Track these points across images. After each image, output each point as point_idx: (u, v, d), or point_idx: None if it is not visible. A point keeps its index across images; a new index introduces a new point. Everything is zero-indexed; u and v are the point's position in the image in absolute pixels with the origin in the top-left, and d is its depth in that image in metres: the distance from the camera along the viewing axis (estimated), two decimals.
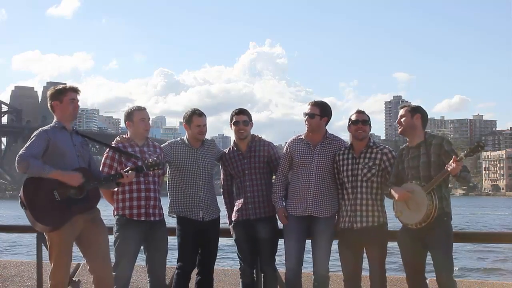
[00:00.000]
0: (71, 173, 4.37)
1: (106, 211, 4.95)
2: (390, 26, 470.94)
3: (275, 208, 5.08)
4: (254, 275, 5.26)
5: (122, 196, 4.89)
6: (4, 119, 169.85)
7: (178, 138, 5.46)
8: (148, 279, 5.00)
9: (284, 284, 5.07)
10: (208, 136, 5.40)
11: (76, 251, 4.60)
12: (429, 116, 4.87)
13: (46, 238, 4.54)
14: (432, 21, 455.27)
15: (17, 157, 4.31)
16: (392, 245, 4.79)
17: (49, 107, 4.62)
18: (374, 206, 4.78)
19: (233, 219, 5.24)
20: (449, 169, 4.28)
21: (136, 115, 5.01)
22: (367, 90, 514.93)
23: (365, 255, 4.84)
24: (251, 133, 5.30)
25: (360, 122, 4.86)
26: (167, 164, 5.26)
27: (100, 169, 4.86)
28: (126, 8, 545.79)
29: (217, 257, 5.37)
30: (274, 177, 5.26)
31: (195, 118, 5.23)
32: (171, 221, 5.27)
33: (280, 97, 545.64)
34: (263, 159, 5.23)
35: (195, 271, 5.23)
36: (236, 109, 5.28)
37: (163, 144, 5.37)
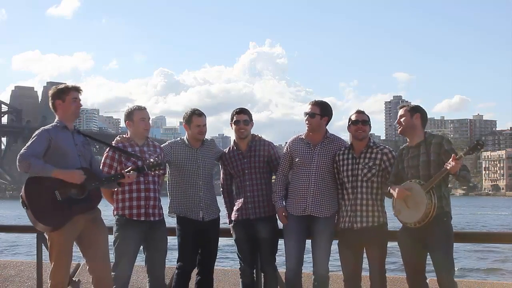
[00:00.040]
0: (73, 171, 4.37)
1: (106, 211, 4.95)
2: (390, 26, 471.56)
3: (275, 207, 5.08)
4: (254, 275, 5.26)
5: (122, 196, 4.89)
6: (4, 119, 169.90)
7: (178, 138, 5.46)
8: (148, 279, 4.99)
9: (284, 284, 5.07)
10: (208, 136, 5.40)
11: (76, 251, 4.60)
12: (429, 116, 4.88)
13: (47, 238, 4.54)
14: (432, 21, 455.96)
15: (18, 156, 4.30)
16: (392, 245, 4.78)
17: (50, 106, 4.61)
18: (374, 206, 4.78)
19: (233, 218, 5.24)
20: (448, 167, 4.28)
21: (136, 114, 5.01)
22: (367, 90, 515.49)
23: (365, 255, 4.84)
24: (251, 133, 5.31)
25: (360, 122, 4.86)
26: (167, 164, 5.26)
27: (100, 168, 4.85)
28: (126, 8, 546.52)
29: (217, 257, 5.37)
30: (274, 177, 5.26)
31: (195, 118, 5.23)
32: (171, 221, 5.27)
33: (280, 97, 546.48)
34: (263, 159, 5.23)
35: (195, 271, 5.23)
36: (237, 109, 5.28)
37: (163, 144, 5.37)
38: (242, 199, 5.18)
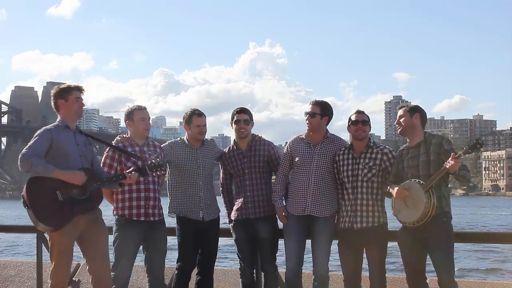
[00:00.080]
0: (74, 172, 4.36)
1: (106, 210, 4.95)
2: (390, 26, 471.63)
3: (275, 207, 5.08)
4: (254, 275, 5.26)
5: (121, 196, 4.88)
6: (4, 119, 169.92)
7: (178, 138, 5.46)
8: (147, 279, 4.99)
9: (284, 284, 5.07)
10: (208, 136, 5.40)
11: (76, 251, 4.60)
12: (429, 116, 4.90)
13: (48, 238, 4.53)
14: (432, 21, 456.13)
15: (20, 156, 4.28)
16: (392, 245, 4.78)
17: (52, 105, 4.59)
18: (374, 206, 4.78)
19: (232, 218, 5.24)
20: (447, 166, 4.28)
21: (137, 114, 5.01)
22: (367, 90, 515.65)
23: (365, 255, 4.84)
24: (252, 133, 5.31)
25: (360, 122, 4.85)
26: (167, 164, 5.25)
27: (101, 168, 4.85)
28: (126, 8, 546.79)
29: (217, 257, 5.38)
30: (274, 177, 5.26)
31: (194, 118, 5.23)
32: (171, 221, 5.27)
33: (280, 97, 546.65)
34: (263, 159, 5.23)
35: (195, 271, 5.23)
36: (238, 108, 5.28)
37: (163, 144, 5.37)
38: (242, 198, 5.18)
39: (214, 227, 5.26)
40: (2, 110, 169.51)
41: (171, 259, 5.50)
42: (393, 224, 4.83)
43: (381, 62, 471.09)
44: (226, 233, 5.32)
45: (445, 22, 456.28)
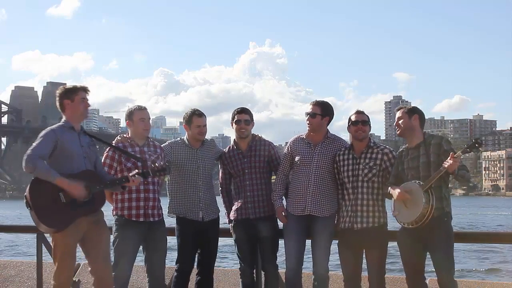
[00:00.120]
0: (76, 185, 4.30)
1: (106, 211, 4.94)
2: (390, 26, 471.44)
3: (275, 206, 5.08)
4: (254, 275, 5.26)
5: (121, 196, 4.88)
6: (4, 119, 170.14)
7: (178, 138, 5.46)
8: (147, 279, 4.99)
9: (284, 283, 5.07)
10: (208, 136, 5.40)
11: (77, 251, 4.60)
12: (429, 116, 4.92)
13: (51, 238, 4.52)
14: (432, 21, 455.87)
15: (24, 157, 4.25)
16: (392, 245, 4.78)
17: (58, 106, 4.54)
18: (374, 206, 4.78)
19: (232, 218, 5.24)
20: (446, 165, 4.28)
21: (136, 114, 5.01)
22: (367, 90, 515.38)
23: (364, 255, 4.84)
24: (252, 133, 5.31)
25: (360, 122, 4.85)
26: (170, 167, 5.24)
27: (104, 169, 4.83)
28: (126, 8, 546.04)
29: (217, 257, 5.38)
30: (274, 177, 5.26)
31: (195, 118, 5.23)
32: (171, 221, 5.27)
33: (280, 97, 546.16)
34: (263, 159, 5.23)
35: (195, 271, 5.23)
36: (238, 108, 5.28)
37: (163, 144, 5.37)
38: (242, 198, 5.18)
39: (214, 227, 5.26)
40: (2, 110, 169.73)
41: (171, 259, 5.50)
42: (393, 224, 4.83)
43: (381, 62, 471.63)
44: (226, 233, 5.32)
45: (445, 22, 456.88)
